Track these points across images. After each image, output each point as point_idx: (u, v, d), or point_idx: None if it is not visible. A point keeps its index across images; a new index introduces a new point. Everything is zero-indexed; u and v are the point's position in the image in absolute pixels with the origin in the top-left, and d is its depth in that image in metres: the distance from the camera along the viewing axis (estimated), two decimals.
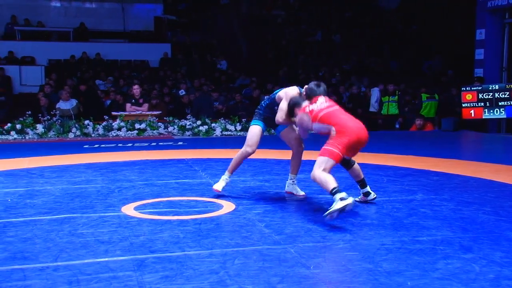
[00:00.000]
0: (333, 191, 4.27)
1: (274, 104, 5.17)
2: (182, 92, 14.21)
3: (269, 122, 5.26)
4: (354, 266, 3.34)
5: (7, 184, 6.10)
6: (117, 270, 3.29)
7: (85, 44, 17.56)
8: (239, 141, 10.81)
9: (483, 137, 11.38)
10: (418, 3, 19.26)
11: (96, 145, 9.83)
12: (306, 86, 4.98)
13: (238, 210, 4.80)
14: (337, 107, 4.78)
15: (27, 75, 15.64)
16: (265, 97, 5.50)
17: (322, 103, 4.75)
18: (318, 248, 3.71)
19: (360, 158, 7.78)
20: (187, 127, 11.66)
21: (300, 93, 4.99)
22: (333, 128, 4.57)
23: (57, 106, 12.03)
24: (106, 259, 3.50)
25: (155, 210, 4.82)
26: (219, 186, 5.29)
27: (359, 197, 5.07)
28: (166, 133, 11.61)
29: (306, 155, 5.57)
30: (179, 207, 4.95)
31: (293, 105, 4.93)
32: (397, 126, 13.26)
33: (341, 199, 4.17)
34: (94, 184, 6.05)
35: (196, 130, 11.57)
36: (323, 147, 4.56)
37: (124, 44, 18.51)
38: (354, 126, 4.57)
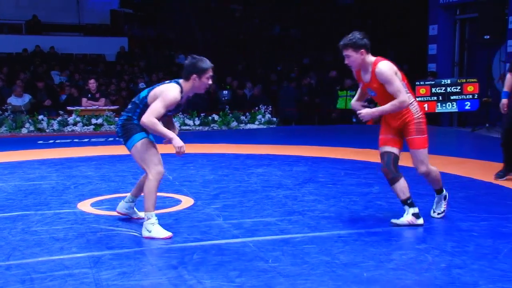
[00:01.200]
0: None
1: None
2: (142, 85, 14.02)
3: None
4: (312, 258, 3.39)
5: None
6: (72, 267, 3.23)
7: (39, 37, 17.05)
8: (197, 136, 10.79)
9: (436, 131, 11.68)
10: None
11: (51, 141, 9.60)
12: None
13: (197, 205, 4.79)
14: None
15: None
16: (136, 98, 4.09)
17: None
18: (277, 242, 3.74)
19: (318, 152, 7.91)
20: None
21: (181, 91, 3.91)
22: (417, 106, 4.04)
23: (8, 101, 11.67)
24: (61, 256, 3.44)
25: (113, 206, 4.75)
26: (163, 232, 3.89)
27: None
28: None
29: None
30: (137, 202, 4.89)
31: (193, 68, 3.89)
32: (354, 120, 13.46)
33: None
34: (49, 181, 5.91)
35: None
36: (416, 136, 4.01)
37: (79, 37, 18.09)
38: None
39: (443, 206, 4.35)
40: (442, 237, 3.82)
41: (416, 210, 4.07)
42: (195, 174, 6.29)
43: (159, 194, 5.20)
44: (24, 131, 10.75)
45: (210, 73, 3.96)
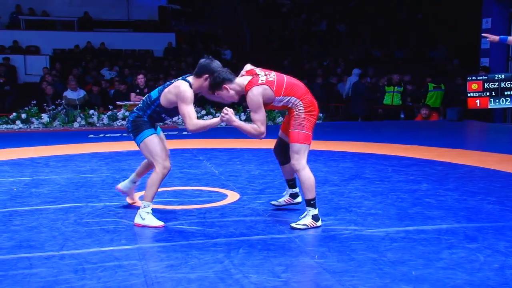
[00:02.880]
0: (312, 201, 3.94)
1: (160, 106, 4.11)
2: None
3: (152, 122, 4.22)
4: (359, 255, 3.35)
5: (12, 173, 6.12)
6: (122, 259, 3.31)
7: (90, 33, 17.53)
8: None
9: (488, 127, 11.34)
10: None
11: (101, 135, 9.84)
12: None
13: (242, 200, 4.81)
14: (286, 76, 4.04)
15: (31, 64, 15.64)
16: (147, 97, 4.21)
17: (268, 73, 3.97)
18: (323, 238, 3.72)
19: (364, 148, 7.80)
20: None
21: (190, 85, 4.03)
22: (301, 103, 3.92)
23: (64, 94, 12.04)
24: (112, 248, 3.52)
25: (160, 199, 4.83)
26: (155, 221, 4.04)
27: (283, 199, 4.42)
28: (171, 123, 11.60)
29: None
30: (183, 196, 4.96)
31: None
32: (402, 116, 13.21)
33: (315, 218, 3.91)
34: (99, 174, 6.06)
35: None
36: (294, 129, 3.91)
37: (128, 33, 18.45)
38: (315, 101, 4.01)
39: (308, 220, 3.93)
40: (495, 237, 3.70)
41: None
42: (241, 169, 6.32)
43: (205, 188, 5.28)
44: (75, 125, 11.06)
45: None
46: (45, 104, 11.61)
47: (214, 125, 4.07)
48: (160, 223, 4.00)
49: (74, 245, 3.57)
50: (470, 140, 10.10)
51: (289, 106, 3.96)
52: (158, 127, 4.37)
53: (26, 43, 16.54)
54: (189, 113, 3.95)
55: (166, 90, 4.06)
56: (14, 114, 11.15)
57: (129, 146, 8.35)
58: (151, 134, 4.11)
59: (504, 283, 2.91)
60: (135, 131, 4.14)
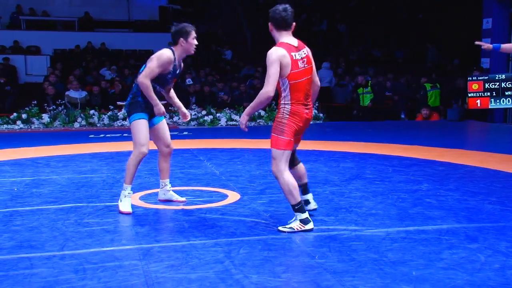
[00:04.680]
0: (297, 207, 3.83)
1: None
2: (189, 81, 14.19)
3: (150, 108, 4.42)
4: (359, 256, 3.35)
5: (13, 173, 6.13)
6: (123, 259, 3.31)
7: (90, 33, 17.52)
8: (244, 131, 10.82)
9: (489, 127, 11.34)
10: None
11: (102, 135, 9.85)
12: None
13: (243, 200, 4.81)
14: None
15: (32, 64, 15.64)
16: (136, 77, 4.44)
17: (304, 58, 3.86)
18: (323, 238, 3.72)
19: (365, 148, 7.80)
20: (192, 117, 11.66)
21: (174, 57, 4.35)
22: (289, 101, 3.80)
23: (67, 93, 12.05)
24: (112, 248, 3.52)
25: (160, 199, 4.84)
26: (126, 207, 4.40)
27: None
28: (171, 123, 11.61)
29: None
30: (184, 196, 4.96)
31: (179, 33, 4.28)
32: (402, 116, 13.22)
33: (303, 221, 3.83)
34: (100, 174, 6.06)
35: (201, 120, 11.58)
36: (274, 134, 3.82)
37: (129, 33, 18.46)
38: (305, 115, 3.88)
39: (295, 224, 3.85)
40: (495, 237, 3.69)
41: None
42: (242, 169, 6.32)
43: (205, 188, 5.28)
44: (76, 125, 11.08)
45: (194, 34, 4.40)
46: (45, 104, 11.62)
47: (151, 100, 4.31)
48: (128, 210, 4.34)
49: (74, 245, 3.57)
50: (470, 140, 10.10)
51: (282, 91, 3.85)
52: (162, 116, 4.54)
53: (26, 43, 16.54)
54: (151, 68, 4.26)
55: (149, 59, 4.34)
56: (15, 114, 11.16)
57: (130, 146, 8.34)
58: (139, 119, 4.36)
59: (505, 283, 2.91)
60: (129, 113, 4.44)
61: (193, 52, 4.47)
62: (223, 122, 11.57)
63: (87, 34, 17.33)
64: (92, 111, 11.36)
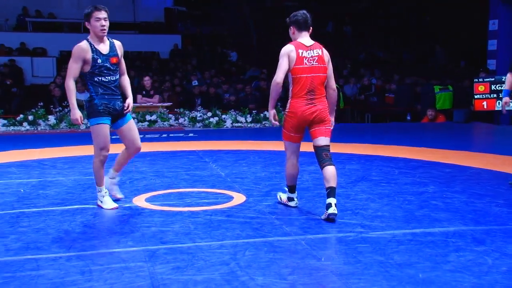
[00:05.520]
0: (287, 188, 4.57)
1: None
2: (195, 82, 14.22)
3: (104, 101, 4.43)
4: (365, 258, 3.34)
5: (19, 175, 6.15)
6: (129, 260, 3.31)
7: None
8: (249, 133, 10.85)
9: (495, 129, 11.29)
10: None
11: None
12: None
13: (248, 202, 4.81)
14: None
15: (38, 66, 15.71)
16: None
17: (314, 57, 4.33)
18: (329, 240, 3.71)
19: (370, 150, 7.78)
20: (198, 118, 11.67)
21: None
22: (289, 103, 4.34)
23: None
24: (118, 249, 3.53)
25: (166, 201, 4.84)
26: (110, 203, 4.57)
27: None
28: (177, 125, 11.63)
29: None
30: (190, 198, 4.97)
31: (84, 18, 4.41)
32: (408, 118, 13.18)
33: (289, 198, 4.60)
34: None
35: (206, 122, 11.59)
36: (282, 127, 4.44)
37: (134, 35, 18.51)
38: (300, 112, 4.31)
39: (283, 197, 4.66)
40: (503, 240, 3.68)
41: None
42: (247, 171, 6.32)
43: (211, 190, 5.28)
44: (82, 127, 11.09)
45: (97, 15, 4.37)
46: (52, 106, 11.65)
47: (70, 104, 4.39)
48: (114, 206, 4.54)
49: (81, 247, 3.58)
50: (477, 142, 10.06)
51: (289, 86, 4.37)
52: (128, 115, 4.60)
53: (33, 45, 16.62)
54: (69, 67, 4.33)
55: None
56: (21, 116, 11.19)
57: None
58: (97, 123, 4.40)
59: None
60: (88, 116, 4.49)
61: (101, 34, 4.40)
62: (228, 123, 11.57)
63: None
64: None
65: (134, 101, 11.83)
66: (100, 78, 4.39)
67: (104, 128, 4.41)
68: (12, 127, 11.05)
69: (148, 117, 11.43)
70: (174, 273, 3.10)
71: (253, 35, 19.10)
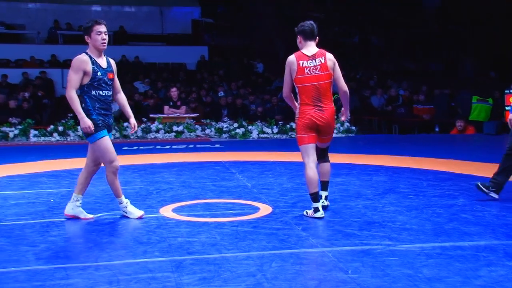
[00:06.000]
0: (311, 196, 4.55)
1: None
2: (221, 93, 14.31)
3: (102, 117, 4.49)
4: (393, 271, 3.29)
5: (50, 184, 6.26)
6: (155, 271, 3.33)
7: (124, 47, 17.87)
8: (275, 144, 10.84)
9: None
10: (461, 1, 18.80)
11: (135, 147, 9.98)
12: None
13: (275, 213, 4.79)
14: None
15: None
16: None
17: (317, 66, 4.59)
18: (356, 252, 3.67)
19: (398, 162, 7.70)
20: (224, 129, 11.72)
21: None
22: (299, 109, 4.62)
23: None
24: (145, 259, 3.55)
25: (193, 212, 4.86)
26: (136, 212, 4.66)
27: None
28: (203, 136, 11.70)
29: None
30: (216, 209, 4.98)
31: (84, 32, 4.45)
32: (436, 129, 13.01)
33: (314, 210, 4.55)
34: (133, 186, 6.14)
35: (233, 132, 11.63)
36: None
37: (162, 47, 18.76)
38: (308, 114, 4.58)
39: (309, 211, 4.64)
40: None
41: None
42: (273, 182, 6.31)
43: (237, 201, 5.29)
44: (110, 137, 11.26)
45: (98, 29, 4.38)
46: None
47: (77, 113, 4.34)
48: (140, 213, 4.61)
49: (108, 256, 3.62)
50: None
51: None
52: (110, 133, 4.63)
53: (63, 57, 16.95)
54: (69, 79, 4.36)
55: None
56: (52, 126, 11.42)
57: (163, 158, 8.46)
58: (101, 137, 4.45)
59: None
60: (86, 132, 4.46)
61: (101, 47, 4.42)
62: (254, 134, 11.59)
63: (121, 48, 17.66)
64: (125, 124, 11.53)
65: (162, 112, 12.00)
66: (98, 92, 4.42)
67: (108, 140, 4.49)
68: (43, 138, 11.27)
69: (175, 128, 11.53)
70: (200, 284, 3.11)
71: (279, 46, 19.16)
